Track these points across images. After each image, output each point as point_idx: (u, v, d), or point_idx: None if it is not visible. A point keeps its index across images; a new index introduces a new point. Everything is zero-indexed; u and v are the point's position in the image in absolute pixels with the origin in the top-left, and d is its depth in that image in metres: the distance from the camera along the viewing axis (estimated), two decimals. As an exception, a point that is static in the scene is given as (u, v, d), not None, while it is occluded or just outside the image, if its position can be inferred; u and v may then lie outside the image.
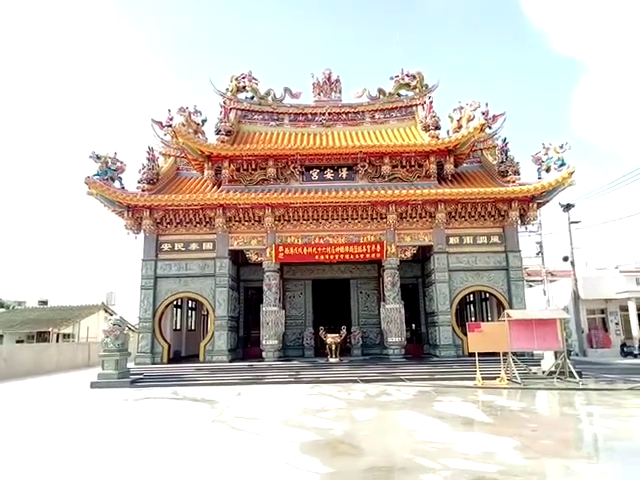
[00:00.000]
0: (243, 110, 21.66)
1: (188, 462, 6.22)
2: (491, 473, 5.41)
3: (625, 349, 23.64)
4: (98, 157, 17.92)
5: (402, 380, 14.63)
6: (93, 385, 14.64)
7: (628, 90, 74.41)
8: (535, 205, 18.31)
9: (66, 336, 32.28)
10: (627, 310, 24.62)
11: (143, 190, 18.38)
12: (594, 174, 71.36)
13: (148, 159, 19.13)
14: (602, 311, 26.07)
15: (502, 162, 18.91)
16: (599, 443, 7.33)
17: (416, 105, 21.55)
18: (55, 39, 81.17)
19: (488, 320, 20.02)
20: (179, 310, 21.37)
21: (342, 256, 18.58)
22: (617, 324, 25.52)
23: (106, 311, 34.12)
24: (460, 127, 19.74)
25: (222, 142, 18.91)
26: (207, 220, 18.51)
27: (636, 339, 23.78)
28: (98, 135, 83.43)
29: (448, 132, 20.54)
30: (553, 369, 14.57)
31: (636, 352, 23.10)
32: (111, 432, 8.47)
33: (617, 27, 68.63)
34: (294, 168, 18.92)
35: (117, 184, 18.26)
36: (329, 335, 17.95)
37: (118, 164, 18.38)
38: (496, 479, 5.20)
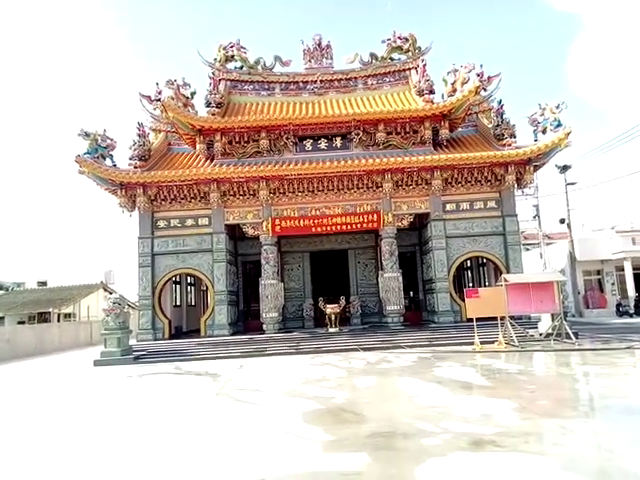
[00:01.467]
0: (233, 80, 21.18)
1: (193, 435, 6.32)
2: (489, 435, 5.52)
3: (621, 309, 23.99)
4: (87, 135, 17.59)
5: (401, 347, 14.83)
6: (97, 363, 14.81)
7: (623, 46, 72.90)
8: (532, 168, 18.17)
9: (67, 316, 32.52)
10: (623, 270, 24.87)
11: (135, 167, 18.13)
12: (589, 133, 70.69)
13: (139, 135, 18.79)
14: (598, 272, 26.32)
15: (498, 125, 18.64)
16: (594, 402, 7.47)
17: (409, 69, 21.10)
18: (40, 15, 78.53)
19: (486, 285, 20.19)
20: (178, 286, 21.44)
21: (339, 227, 18.53)
22: (613, 284, 25.82)
23: (105, 290, 34.27)
24: (455, 91, 19.39)
25: (213, 115, 18.56)
26: (202, 195, 18.35)
27: (631, 298, 24.12)
28: (87, 113, 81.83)
29: (443, 96, 20.19)
30: (550, 331, 14.77)
31: (631, 311, 23.47)
32: (117, 408, 8.59)
33: (615, -19, 66.58)
34: (287, 139, 18.64)
35: (108, 162, 18.01)
36: (328, 305, 18.09)
37: (108, 141, 18.08)
38: (494, 440, 5.31)
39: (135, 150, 18.42)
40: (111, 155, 18.12)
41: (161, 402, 8.84)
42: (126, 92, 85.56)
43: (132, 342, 16.64)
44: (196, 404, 8.36)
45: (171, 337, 18.22)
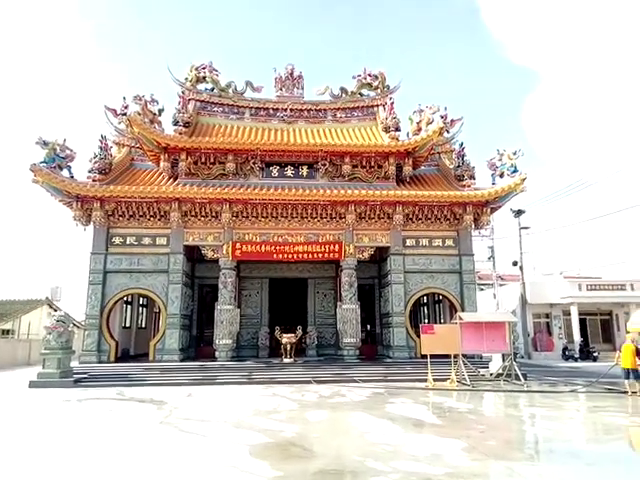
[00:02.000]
0: (202, 102, 21.12)
1: (131, 467, 5.91)
2: (438, 475, 5.44)
3: (567, 352, 24.80)
4: (45, 143, 16.97)
5: (356, 381, 14.67)
6: (32, 384, 13.83)
7: (575, 101, 78.37)
8: (489, 210, 18.87)
9: (5, 332, 30.42)
10: (570, 315, 25.87)
11: (94, 180, 17.55)
12: (542, 181, 74.67)
13: (100, 148, 18.28)
14: (547, 315, 27.28)
15: (459, 166, 19.34)
16: (540, 445, 7.56)
17: (377, 105, 21.74)
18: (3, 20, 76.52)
19: (441, 322, 20.45)
20: (129, 307, 20.60)
21: (301, 255, 18.45)
22: (560, 328, 26.77)
23: (50, 306, 32.40)
24: (419, 130, 20.06)
25: (180, 133, 18.35)
26: (162, 214, 17.91)
27: (577, 343, 25.00)
28: (47, 122, 79.34)
29: (408, 134, 20.82)
30: (500, 371, 15.03)
31: (576, 356, 24.28)
32: (50, 435, 7.96)
33: (567, 40, 72.15)
34: (254, 164, 18.62)
35: (66, 173, 17.38)
36: (285, 335, 17.78)
37: (67, 152, 17.49)
38: (443, 482, 5.23)
39: (95, 163, 17.87)
40: (69, 166, 17.50)
41: (99, 431, 8.27)
42: (91, 104, 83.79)
43: (74, 364, 15.71)
44: (137, 434, 7.87)
45: (117, 360, 17.33)
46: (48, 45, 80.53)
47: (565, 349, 25.18)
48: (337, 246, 18.27)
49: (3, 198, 71.80)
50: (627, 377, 12.34)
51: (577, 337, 25.21)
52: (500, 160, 18.68)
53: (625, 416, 9.50)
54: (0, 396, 12.55)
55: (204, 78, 21.15)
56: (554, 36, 73.74)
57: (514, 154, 18.38)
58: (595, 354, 24.09)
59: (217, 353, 17.27)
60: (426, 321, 22.04)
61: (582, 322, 26.25)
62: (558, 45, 74.89)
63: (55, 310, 27.62)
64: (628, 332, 14.40)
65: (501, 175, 18.61)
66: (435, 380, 13.97)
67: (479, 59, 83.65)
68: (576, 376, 16.67)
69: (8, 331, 30.23)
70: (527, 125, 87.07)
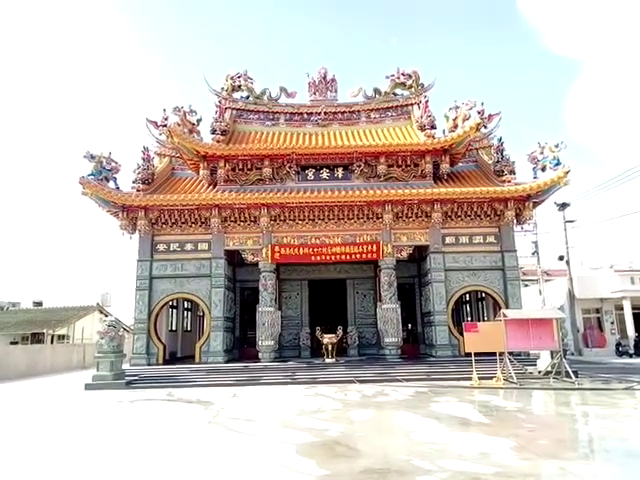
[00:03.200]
0: (238, 109, 21.60)
1: (184, 465, 6.15)
2: (487, 474, 5.38)
3: (620, 348, 23.72)
4: (92, 157, 17.83)
5: (399, 380, 14.60)
6: (88, 387, 14.54)
7: (621, 90, 74.74)
8: (531, 204, 18.33)
9: (61, 337, 32.11)
10: (622, 309, 24.73)
11: (138, 190, 18.29)
12: (586, 173, 71.65)
13: (143, 159, 19.04)
14: (597, 310, 26.17)
15: (498, 161, 18.91)
16: (595, 444, 7.31)
17: (412, 104, 21.55)
18: (51, 39, 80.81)
19: (484, 320, 20.03)
20: (175, 311, 21.27)
21: (338, 256, 18.54)
22: (612, 323, 25.63)
23: (101, 312, 33.94)
24: (456, 126, 19.73)
25: (217, 142, 18.84)
26: (202, 220, 18.43)
27: (631, 338, 23.88)
28: (93, 135, 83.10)
29: (444, 131, 20.53)
30: (549, 369, 14.57)
31: (631, 351, 23.19)
32: (106, 435, 8.39)
33: (612, 27, 68.91)
34: (290, 168, 18.87)
35: (112, 184, 18.19)
36: (325, 335, 17.90)
37: (113, 164, 18.30)
38: (492, 481, 5.17)
39: (139, 174, 18.62)
40: (115, 178, 18.32)
41: (151, 430, 8.64)
42: (133, 116, 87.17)
43: (125, 366, 16.39)
44: (188, 433, 8.16)
45: (165, 362, 17.96)
46: (93, 61, 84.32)
47: (618, 345, 24.08)
48: (375, 246, 18.23)
49: (56, 210, 75.70)
50: None
51: (631, 332, 24.07)
52: (542, 153, 18.12)
53: (686, 415, 9.04)
54: (59, 398, 13.27)
55: (239, 87, 21.64)
56: (595, 23, 70.65)
57: (556, 146, 17.79)
58: (651, 350, 22.93)
59: (260, 354, 17.59)
60: (469, 319, 21.62)
61: (636, 316, 25.03)
62: (600, 33, 71.68)
63: (106, 315, 28.91)
64: None
65: (543, 169, 18.04)
66: (480, 378, 13.71)
67: (516, 49, 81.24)
68: (631, 373, 15.95)
69: (63, 336, 31.86)
70: (570, 117, 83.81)
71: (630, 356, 22.86)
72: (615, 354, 23.68)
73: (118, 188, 18.26)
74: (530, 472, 5.52)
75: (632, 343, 23.62)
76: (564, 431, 8.21)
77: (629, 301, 24.28)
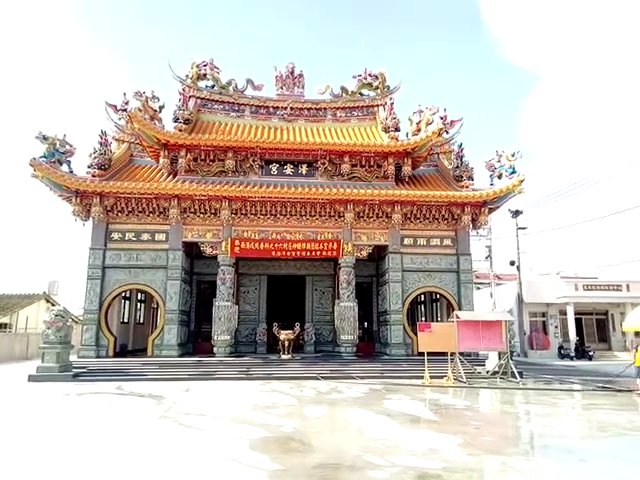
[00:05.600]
0: (203, 99, 21.16)
1: (132, 459, 6.01)
2: (435, 469, 5.56)
3: (562, 351, 25.02)
4: (45, 138, 16.99)
5: (353, 378, 14.79)
6: (31, 378, 13.89)
7: (574, 103, 78.59)
8: (486, 210, 18.98)
9: (3, 326, 30.46)
10: (566, 314, 26.08)
11: (93, 175, 17.61)
12: (538, 182, 74.90)
13: (100, 143, 18.32)
14: (543, 314, 27.48)
15: (457, 167, 19.45)
16: (535, 440, 7.69)
17: (377, 105, 21.81)
18: (7, 16, 76.11)
19: (438, 320, 20.59)
20: (127, 302, 20.64)
21: (299, 252, 18.54)
22: (556, 327, 26.98)
23: (48, 301, 32.42)
24: (419, 130, 20.17)
25: (180, 130, 18.41)
26: (161, 210, 17.97)
27: (572, 342, 25.22)
28: (47, 117, 79.10)
29: (407, 134, 20.93)
30: (497, 369, 15.18)
31: (572, 354, 24.49)
32: (51, 429, 8.04)
33: (568, 40, 72.31)
34: (254, 161, 18.68)
35: (65, 168, 17.42)
36: (282, 332, 17.87)
37: (67, 147, 17.53)
38: (439, 475, 5.35)
39: (95, 158, 17.91)
40: (69, 161, 17.54)
41: (99, 425, 8.36)
42: (91, 100, 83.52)
43: (73, 358, 15.77)
44: (138, 428, 7.96)
45: (116, 355, 17.41)
46: (48, 40, 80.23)
47: (561, 348, 25.39)
48: (335, 244, 18.36)
49: (2, 193, 71.58)
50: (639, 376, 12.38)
51: (573, 336, 25.43)
52: (499, 161, 18.79)
53: (620, 413, 9.64)
54: (1, 390, 12.61)
55: (205, 75, 21.18)
56: (553, 36, 73.90)
57: (512, 156, 18.49)
58: (590, 353, 24.32)
59: (215, 349, 17.36)
60: (423, 319, 22.17)
61: (578, 321, 26.47)
62: (558, 46, 75.06)
63: (53, 305, 27.61)
64: None
65: (499, 176, 18.72)
66: (432, 377, 14.11)
67: (479, 58, 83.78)
68: (571, 375, 16.85)
69: (6, 325, 30.23)
70: (526, 126, 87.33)
71: (571, 359, 24.13)
72: (558, 356, 24.94)
73: (72, 172, 17.49)
74: (474, 467, 5.75)
75: (573, 347, 24.95)
76: (507, 428, 8.60)
77: (572, 306, 25.63)
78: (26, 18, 74.76)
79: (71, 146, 17.70)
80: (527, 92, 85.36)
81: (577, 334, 25.75)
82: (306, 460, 6.02)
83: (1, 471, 5.61)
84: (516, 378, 14.22)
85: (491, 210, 19.69)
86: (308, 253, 18.59)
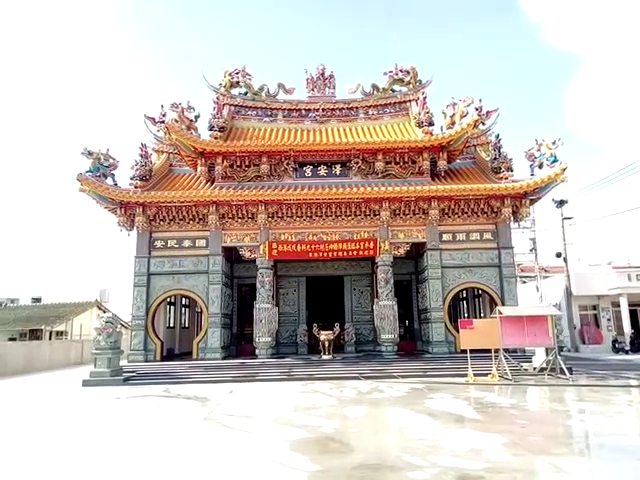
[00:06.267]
0: (236, 106, 21.57)
1: (178, 460, 6.21)
2: (477, 470, 5.43)
3: (617, 345, 23.84)
4: (90, 153, 17.81)
5: (395, 377, 14.67)
6: (85, 383, 14.60)
7: (621, 86, 74.63)
8: (528, 201, 18.35)
9: (59, 333, 32.17)
10: (619, 306, 24.81)
11: (136, 187, 18.29)
12: (585, 169, 71.65)
13: (141, 155, 19.01)
14: (594, 307, 26.27)
15: (495, 158, 18.91)
16: (587, 440, 7.37)
17: (410, 101, 21.53)
18: (51, 37, 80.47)
19: (481, 317, 20.09)
20: (172, 307, 21.32)
21: (335, 253, 18.57)
22: (609, 320, 25.73)
23: (99, 308, 34.00)
24: (453, 123, 19.76)
25: (215, 138, 18.84)
26: (200, 217, 18.45)
27: (627, 335, 23.99)
28: (91, 132, 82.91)
29: (441, 128, 20.53)
30: (544, 365, 14.65)
31: (627, 348, 23.31)
32: (103, 431, 8.45)
33: (612, 23, 68.74)
34: (287, 164, 18.87)
35: (109, 181, 18.17)
36: (322, 332, 17.95)
37: (110, 160, 18.29)
38: (482, 476, 5.23)
39: (137, 170, 18.61)
40: (112, 174, 18.30)
41: (147, 426, 8.70)
42: (131, 112, 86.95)
43: (123, 363, 16.45)
44: (183, 429, 8.22)
45: (163, 359, 18.01)
46: (93, 59, 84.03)
47: (615, 341, 24.19)
48: (372, 243, 18.26)
49: (54, 207, 75.61)
50: None
51: (627, 329, 24.18)
52: (539, 150, 18.12)
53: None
54: (57, 394, 13.33)
55: (237, 83, 21.60)
56: (595, 18, 70.45)
57: (553, 143, 17.79)
58: (647, 347, 23.05)
59: (257, 351, 17.65)
60: (466, 316, 21.70)
61: (633, 313, 25.13)
62: (600, 28, 71.49)
63: (104, 312, 28.90)
64: None
65: (540, 166, 18.05)
66: (476, 375, 13.79)
67: (516, 45, 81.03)
68: (627, 369, 16.04)
69: (62, 332, 31.92)
70: (570, 112, 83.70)
71: (626, 352, 22.97)
72: (611, 351, 23.79)
73: (116, 184, 18.25)
74: (519, 467, 5.57)
75: (628, 340, 23.73)
76: (557, 427, 8.27)
77: (626, 298, 24.35)
78: (66, 31, 78.57)
79: (114, 159, 18.47)
80: (570, 76, 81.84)
81: (632, 326, 24.44)
82: (346, 461, 6.03)
83: (57, 472, 5.94)
84: (565, 374, 13.66)
85: (533, 201, 19.02)
86: (345, 253, 18.58)
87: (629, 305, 24.52)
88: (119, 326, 16.35)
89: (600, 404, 10.12)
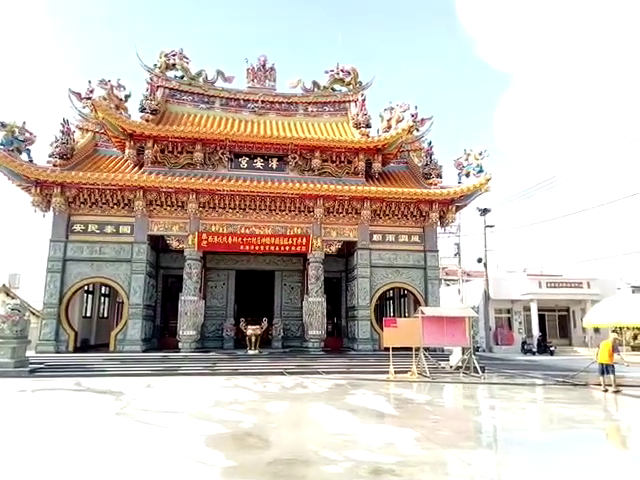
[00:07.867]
0: (171, 89, 20.67)
1: (85, 458, 5.82)
2: (389, 464, 5.57)
3: (525, 347, 25.72)
4: (3, 125, 16.31)
5: (319, 373, 14.79)
6: (-17, 374, 13.34)
7: (545, 104, 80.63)
8: (454, 208, 19.24)
9: (-42, 320, 29.23)
10: (529, 310, 26.80)
11: (55, 165, 17.01)
12: (510, 181, 76.67)
13: (62, 132, 17.69)
14: (508, 311, 28.19)
15: (426, 165, 19.64)
16: (492, 434, 7.84)
17: (349, 101, 21.78)
18: (-37, -10, 72.47)
19: (406, 316, 20.79)
20: (90, 296, 20.09)
21: (268, 247, 18.40)
22: (520, 323, 27.72)
23: (8, 294, 31.30)
24: (390, 127, 20.25)
25: (146, 121, 17.93)
26: (125, 202, 17.51)
27: (535, 337, 25.95)
28: (6, 104, 76.09)
29: (378, 131, 20.99)
30: (460, 364, 15.45)
31: (534, 350, 25.21)
32: (2, 426, 7.74)
33: (542, 43, 74.02)
34: (223, 154, 18.40)
35: (24, 156, 16.75)
36: (250, 327, 17.71)
37: (27, 135, 16.85)
38: (393, 470, 5.37)
39: (57, 147, 17.29)
40: (28, 150, 16.87)
41: (52, 422, 8.08)
42: (54, 87, 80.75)
43: (31, 353, 15.24)
44: (92, 424, 7.73)
45: (76, 350, 16.91)
46: (8, 25, 77.05)
47: (524, 343, 26.09)
48: (305, 239, 18.29)
49: (-41, 181, 68.53)
50: (602, 373, 12.49)
51: (536, 332, 26.16)
52: (467, 160, 19.04)
53: (574, 407, 9.92)
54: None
55: (174, 65, 20.68)
56: (524, 38, 75.49)
57: (480, 154, 18.78)
58: (552, 348, 25.09)
59: (180, 344, 17.07)
60: (392, 315, 22.38)
61: (541, 318, 27.25)
62: (528, 47, 76.72)
63: (12, 298, 26.66)
64: (613, 331, 14.90)
65: (467, 174, 18.98)
66: (397, 372, 14.23)
67: (452, 56, 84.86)
68: (533, 369, 17.30)
69: (-39, 320, 28.98)
70: (499, 126, 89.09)
71: (533, 354, 24.84)
72: (521, 352, 25.62)
73: (31, 161, 16.84)
74: (428, 461, 5.79)
75: (536, 342, 25.67)
76: (466, 422, 8.73)
77: (536, 303, 26.36)
78: (-11, 0, 71.51)
79: (31, 134, 17.02)
80: (499, 92, 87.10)
81: (540, 330, 26.50)
82: (261, 456, 5.96)
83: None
84: (478, 373, 14.49)
85: (459, 208, 19.97)
86: (277, 248, 18.46)
87: (538, 310, 26.58)
88: (28, 314, 15.14)
89: (507, 401, 10.83)
